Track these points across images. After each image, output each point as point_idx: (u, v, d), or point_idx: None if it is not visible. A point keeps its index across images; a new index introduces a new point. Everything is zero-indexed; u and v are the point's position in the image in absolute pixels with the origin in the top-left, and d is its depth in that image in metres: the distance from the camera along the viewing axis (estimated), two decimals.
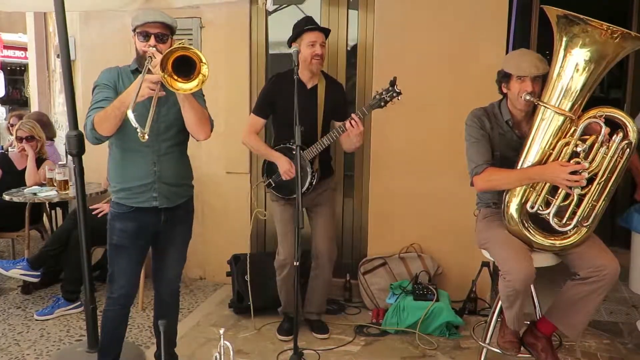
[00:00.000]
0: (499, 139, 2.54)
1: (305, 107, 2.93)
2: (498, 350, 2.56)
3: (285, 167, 3.02)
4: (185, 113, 2.29)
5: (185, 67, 2.08)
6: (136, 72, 2.37)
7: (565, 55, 2.27)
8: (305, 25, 3.01)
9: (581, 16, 2.16)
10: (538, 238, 2.41)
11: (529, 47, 4.60)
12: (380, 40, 3.61)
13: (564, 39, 2.25)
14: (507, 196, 2.44)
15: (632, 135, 2.26)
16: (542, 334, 2.52)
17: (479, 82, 3.15)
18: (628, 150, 2.27)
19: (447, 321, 3.20)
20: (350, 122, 2.88)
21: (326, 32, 3.08)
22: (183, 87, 2.10)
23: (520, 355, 2.54)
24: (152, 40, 2.29)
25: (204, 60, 2.08)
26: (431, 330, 3.22)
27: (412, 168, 3.64)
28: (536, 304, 2.68)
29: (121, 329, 2.58)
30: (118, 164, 2.43)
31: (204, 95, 2.50)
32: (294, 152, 2.65)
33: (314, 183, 3.08)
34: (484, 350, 2.67)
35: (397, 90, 2.90)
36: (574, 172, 2.24)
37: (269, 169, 3.18)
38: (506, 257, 2.38)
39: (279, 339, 3.21)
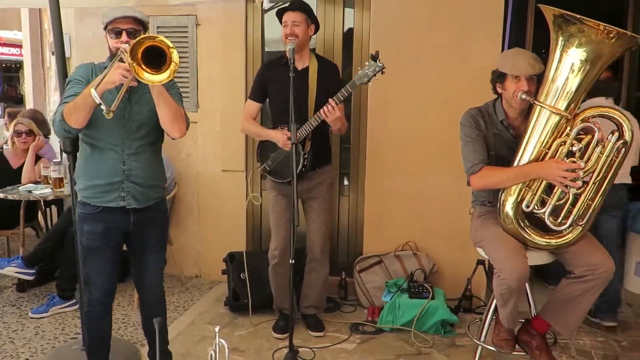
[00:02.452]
0: (495, 138, 2.55)
1: (295, 89, 2.90)
2: (493, 348, 2.57)
3: (282, 138, 3.00)
4: (159, 109, 2.24)
5: (157, 58, 2.04)
6: None
7: (561, 55, 2.27)
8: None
9: (577, 16, 2.17)
10: (533, 237, 2.41)
11: (525, 46, 4.61)
12: (375, 39, 3.61)
13: (560, 38, 2.25)
14: (502, 195, 2.45)
15: (628, 135, 2.27)
16: (536, 331, 2.53)
17: (474, 81, 3.15)
18: (623, 149, 2.28)
19: (443, 319, 3.21)
20: (328, 108, 2.89)
21: (300, 9, 3.01)
22: (151, 78, 2.04)
23: (514, 352, 2.55)
24: (124, 36, 2.25)
25: (171, 46, 2.03)
26: (426, 328, 3.23)
27: (408, 166, 3.65)
28: (531, 302, 2.68)
29: (106, 329, 2.55)
30: (86, 161, 2.37)
31: (181, 94, 2.45)
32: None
33: (307, 164, 3.06)
34: (479, 348, 2.67)
35: (379, 64, 2.86)
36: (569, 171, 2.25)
37: (263, 153, 3.18)
38: (501, 255, 2.39)
39: (275, 337, 3.21)
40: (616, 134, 2.27)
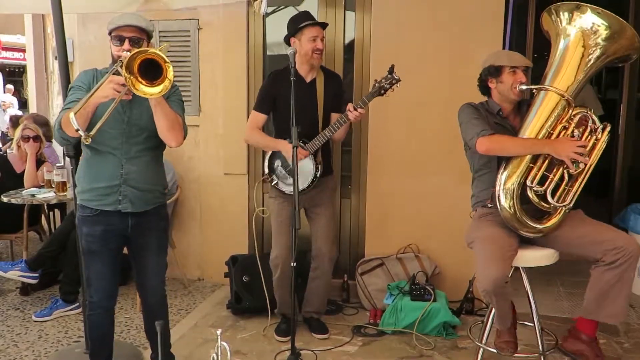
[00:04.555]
0: (495, 127, 2.57)
1: (304, 101, 2.95)
2: (495, 350, 2.57)
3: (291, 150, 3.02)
4: (156, 118, 2.26)
5: (154, 69, 2.06)
6: None
7: (565, 40, 2.47)
8: (304, 20, 3.01)
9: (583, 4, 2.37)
10: (529, 224, 2.46)
11: (525, 47, 4.65)
12: (376, 41, 3.62)
13: (570, 27, 2.45)
14: (502, 176, 2.48)
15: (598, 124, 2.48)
16: (587, 335, 2.49)
17: (475, 83, 3.15)
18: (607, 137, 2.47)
19: (444, 321, 3.21)
20: (356, 109, 2.90)
21: (325, 26, 3.10)
22: (146, 90, 2.06)
23: (516, 355, 2.55)
24: (127, 45, 2.27)
25: (167, 61, 2.05)
26: (428, 330, 3.23)
27: (409, 169, 3.65)
28: (532, 303, 2.68)
29: (108, 331, 2.56)
30: (87, 165, 2.40)
31: (182, 101, 2.46)
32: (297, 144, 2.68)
33: (318, 176, 3.08)
34: (481, 350, 2.67)
35: (395, 77, 2.89)
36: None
37: (271, 164, 3.18)
38: (481, 258, 2.42)
39: (277, 339, 3.21)
40: (609, 127, 2.47)
